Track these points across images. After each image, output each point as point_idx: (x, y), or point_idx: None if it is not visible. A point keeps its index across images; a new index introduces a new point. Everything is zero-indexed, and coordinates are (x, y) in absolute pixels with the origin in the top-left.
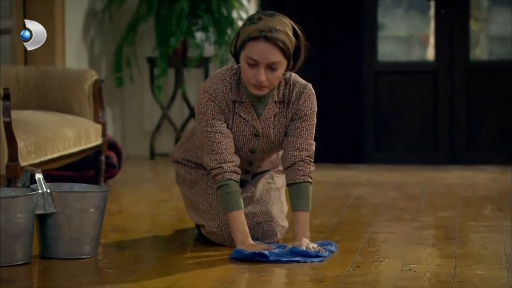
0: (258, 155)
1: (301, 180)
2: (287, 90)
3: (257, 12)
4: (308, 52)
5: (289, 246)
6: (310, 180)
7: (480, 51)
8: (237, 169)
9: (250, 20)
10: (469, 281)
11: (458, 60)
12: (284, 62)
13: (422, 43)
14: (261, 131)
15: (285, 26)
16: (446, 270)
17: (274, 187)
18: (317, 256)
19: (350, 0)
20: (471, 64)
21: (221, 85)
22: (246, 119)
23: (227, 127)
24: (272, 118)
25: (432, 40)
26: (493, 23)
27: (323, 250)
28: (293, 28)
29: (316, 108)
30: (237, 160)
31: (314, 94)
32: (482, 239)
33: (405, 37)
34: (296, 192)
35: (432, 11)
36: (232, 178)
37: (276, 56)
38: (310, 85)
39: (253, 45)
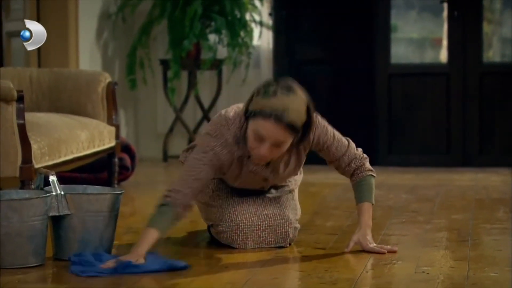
0: (271, 182)
1: (362, 176)
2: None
3: (275, 83)
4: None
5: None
6: (371, 173)
7: (493, 53)
8: (188, 207)
9: (266, 91)
10: (482, 283)
11: (471, 62)
12: (291, 139)
13: (435, 45)
14: (271, 177)
15: (298, 105)
16: (459, 273)
17: (287, 189)
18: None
19: (363, 2)
20: (484, 66)
21: (226, 153)
22: (255, 171)
23: (235, 176)
24: (282, 163)
25: (445, 42)
26: (506, 25)
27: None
28: (307, 105)
29: (325, 125)
30: (192, 203)
31: (318, 121)
32: (495, 242)
33: (418, 40)
34: (358, 186)
35: (445, 13)
36: (176, 209)
37: (283, 136)
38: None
39: (262, 122)
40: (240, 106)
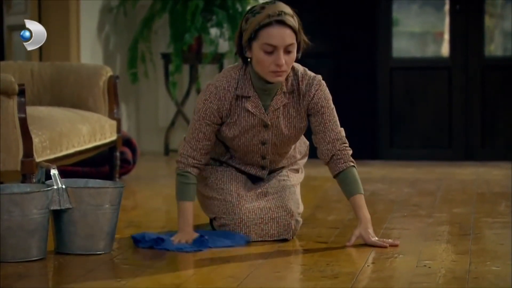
0: (269, 148)
1: (344, 167)
2: (296, 81)
3: (256, 5)
4: (307, 38)
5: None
6: (352, 164)
7: (494, 47)
8: (200, 166)
9: (252, 12)
10: (484, 277)
11: (473, 56)
12: (295, 44)
13: (437, 39)
14: (269, 122)
15: (287, 8)
16: (461, 266)
17: (290, 184)
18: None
19: None
20: (486, 60)
21: (225, 82)
22: (254, 113)
23: (234, 121)
24: (281, 108)
25: (447, 36)
26: (507, 19)
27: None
28: (293, 10)
29: (330, 96)
30: (205, 160)
31: (324, 83)
32: (497, 236)
33: (420, 33)
34: (344, 179)
35: (447, 7)
36: (191, 172)
37: (291, 38)
38: (319, 76)
39: (267, 31)
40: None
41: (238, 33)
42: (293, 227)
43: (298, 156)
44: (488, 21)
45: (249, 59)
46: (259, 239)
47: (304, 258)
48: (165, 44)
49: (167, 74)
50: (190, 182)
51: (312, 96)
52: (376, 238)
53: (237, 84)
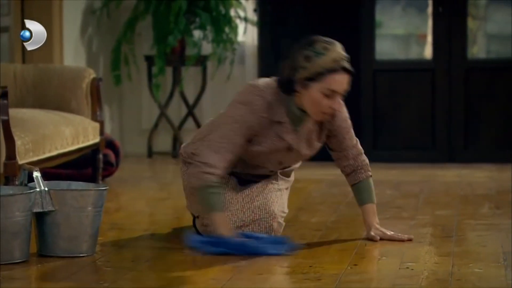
0: (283, 166)
1: (362, 178)
2: None
3: (313, 40)
4: None
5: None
6: (370, 174)
7: (478, 49)
8: (223, 176)
9: (315, 51)
10: (467, 279)
11: (456, 59)
12: None
13: (420, 41)
14: (295, 147)
15: (344, 50)
16: (443, 268)
17: (277, 188)
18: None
19: None
20: (469, 63)
21: (261, 102)
22: (285, 138)
23: (263, 142)
24: (306, 134)
25: (430, 38)
26: (490, 21)
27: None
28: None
29: (347, 114)
30: (227, 171)
31: (343, 103)
32: (480, 237)
33: (403, 35)
34: (360, 188)
35: (430, 9)
36: (219, 183)
37: (348, 84)
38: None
39: (333, 77)
40: (263, 79)
41: (289, 65)
42: (274, 229)
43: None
44: (471, 23)
45: (294, 92)
46: None
47: (287, 260)
48: (148, 46)
49: (150, 76)
50: (219, 192)
51: (334, 121)
52: (392, 232)
53: (271, 107)
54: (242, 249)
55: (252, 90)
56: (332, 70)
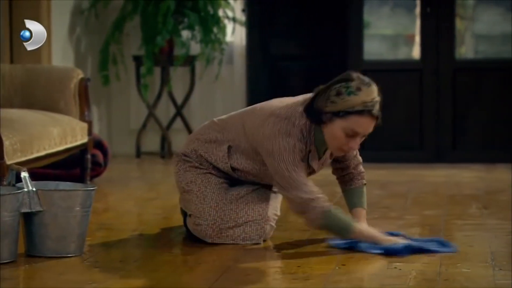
0: None
1: (357, 185)
2: None
3: (350, 77)
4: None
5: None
6: (365, 183)
7: (466, 50)
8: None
9: (348, 88)
10: (455, 280)
11: (444, 59)
12: None
13: (408, 42)
14: (316, 171)
15: (378, 95)
16: (431, 268)
17: (271, 190)
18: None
19: None
20: (457, 63)
21: (298, 133)
22: (312, 166)
23: None
24: (327, 159)
25: (418, 39)
26: (478, 22)
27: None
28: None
29: None
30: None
31: None
32: (468, 238)
33: (391, 36)
34: (352, 192)
35: (418, 10)
36: (329, 201)
37: (372, 127)
38: None
39: (357, 119)
40: (283, 102)
41: (321, 95)
42: (266, 231)
43: None
44: (459, 24)
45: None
46: (231, 242)
47: (275, 261)
48: (136, 46)
49: (138, 76)
50: (339, 208)
51: None
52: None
53: (303, 137)
54: (411, 250)
55: (284, 120)
56: (358, 112)
